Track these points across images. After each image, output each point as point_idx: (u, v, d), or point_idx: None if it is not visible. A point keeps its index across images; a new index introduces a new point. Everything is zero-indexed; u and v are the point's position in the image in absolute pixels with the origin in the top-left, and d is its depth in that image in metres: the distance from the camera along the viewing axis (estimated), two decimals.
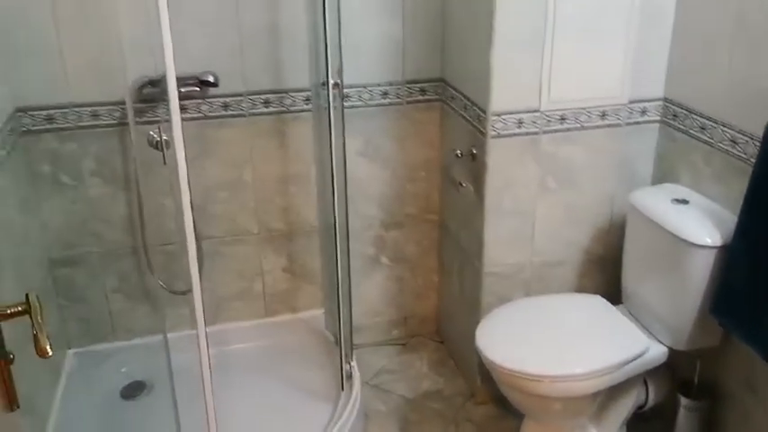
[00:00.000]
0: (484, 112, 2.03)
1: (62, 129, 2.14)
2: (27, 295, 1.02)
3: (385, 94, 2.35)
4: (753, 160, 1.67)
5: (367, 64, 2.30)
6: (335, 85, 1.89)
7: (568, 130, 2.08)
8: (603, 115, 2.08)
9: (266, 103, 2.27)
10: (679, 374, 2.06)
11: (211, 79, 2.16)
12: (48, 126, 2.13)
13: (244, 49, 2.19)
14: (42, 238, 2.23)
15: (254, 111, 2.27)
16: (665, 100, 2.10)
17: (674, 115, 2.07)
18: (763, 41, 1.70)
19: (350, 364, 2.23)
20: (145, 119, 2.18)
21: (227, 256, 2.44)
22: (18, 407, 1.05)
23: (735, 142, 1.83)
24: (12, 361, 1.03)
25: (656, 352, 1.93)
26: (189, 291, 1.57)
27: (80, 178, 2.21)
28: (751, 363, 1.82)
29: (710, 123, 1.91)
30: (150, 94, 2.14)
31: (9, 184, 1.97)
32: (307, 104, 2.29)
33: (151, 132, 2.10)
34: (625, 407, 2.02)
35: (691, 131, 2.00)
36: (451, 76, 2.31)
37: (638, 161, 2.18)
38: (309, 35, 2.12)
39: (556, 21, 1.93)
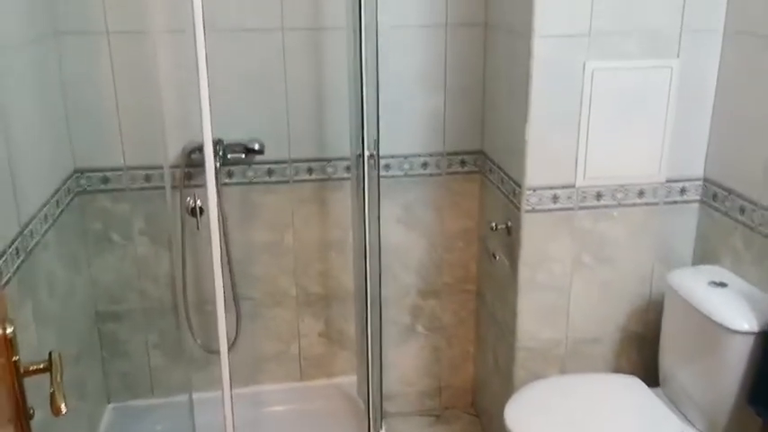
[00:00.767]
0: (519, 186, 2.04)
1: (116, 189, 2.26)
2: (50, 354, 1.07)
3: (425, 164, 2.40)
4: None
5: (409, 135, 2.36)
6: (371, 156, 1.94)
7: (605, 207, 2.07)
8: (641, 193, 2.07)
9: (309, 170, 2.35)
10: None
11: (257, 147, 2.26)
12: (102, 187, 2.25)
13: (290, 120, 2.29)
14: (91, 292, 2.33)
15: (297, 178, 2.35)
16: (705, 180, 2.07)
17: (714, 196, 2.04)
18: None
19: (378, 431, 2.21)
20: (193, 183, 2.28)
21: (267, 318, 2.49)
22: None
23: None
24: (32, 416, 1.08)
25: None
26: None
27: (129, 237, 2.31)
28: None
29: (750, 206, 1.88)
30: (198, 159, 2.24)
31: (63, 240, 2.08)
32: (347, 173, 2.36)
33: (188, 198, 2.20)
34: None
35: (730, 213, 1.96)
36: (490, 149, 2.35)
37: (678, 240, 2.14)
38: (351, 107, 2.20)
39: (592, 101, 1.95)
